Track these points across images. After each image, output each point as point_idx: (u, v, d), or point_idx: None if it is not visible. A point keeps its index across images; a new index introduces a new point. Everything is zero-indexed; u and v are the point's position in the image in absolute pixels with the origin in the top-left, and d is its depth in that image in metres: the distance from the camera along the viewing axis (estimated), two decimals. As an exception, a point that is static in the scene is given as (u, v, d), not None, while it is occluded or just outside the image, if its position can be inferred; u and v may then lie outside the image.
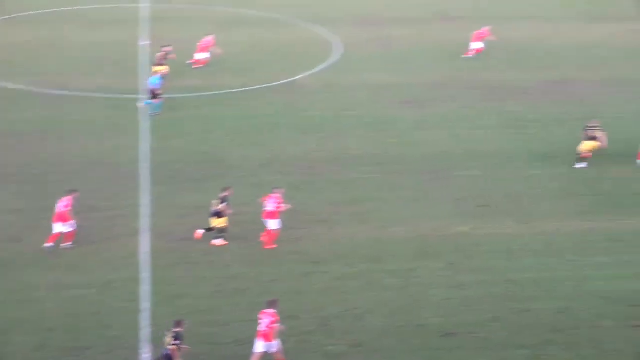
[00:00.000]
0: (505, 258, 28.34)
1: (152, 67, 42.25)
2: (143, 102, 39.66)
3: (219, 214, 28.49)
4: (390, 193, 32.53)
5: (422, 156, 35.76)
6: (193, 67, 45.17)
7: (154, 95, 39.14)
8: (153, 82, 39.47)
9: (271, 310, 22.75)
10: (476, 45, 48.51)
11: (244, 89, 42.83)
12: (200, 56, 45.44)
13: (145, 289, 26.01)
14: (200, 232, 28.61)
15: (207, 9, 56.19)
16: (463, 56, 48.15)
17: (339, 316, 25.16)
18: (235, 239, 28.79)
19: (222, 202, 28.57)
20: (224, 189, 29.06)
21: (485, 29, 48.90)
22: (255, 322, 22.78)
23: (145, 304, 25.25)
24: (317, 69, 46.04)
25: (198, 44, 45.78)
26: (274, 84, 43.57)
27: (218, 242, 28.57)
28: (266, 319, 22.58)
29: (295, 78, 44.52)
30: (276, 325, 22.50)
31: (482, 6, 60.92)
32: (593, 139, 34.77)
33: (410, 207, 31.58)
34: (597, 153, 35.25)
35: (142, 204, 30.93)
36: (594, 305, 25.81)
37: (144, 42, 48.19)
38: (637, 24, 56.73)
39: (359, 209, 31.33)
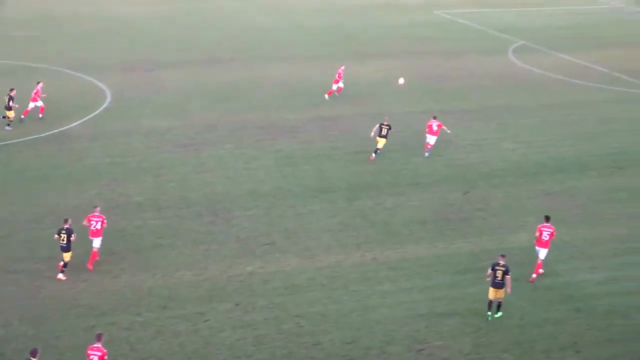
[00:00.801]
0: (293, 294, 28.55)
1: None
2: None
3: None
4: (174, 238, 32.02)
5: (202, 198, 35.52)
6: (-44, 120, 42.86)
7: None
8: None
9: (98, 345, 22.75)
10: (335, 85, 49.42)
11: (12, 141, 40.99)
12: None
13: None
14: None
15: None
16: (326, 96, 49.07)
17: (131, 367, 24.38)
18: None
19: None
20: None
21: (341, 69, 49.75)
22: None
23: None
24: (89, 117, 44.88)
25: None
26: (45, 134, 42.00)
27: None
28: (95, 355, 22.63)
29: (67, 127, 43.15)
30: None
31: (251, 48, 62.11)
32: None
33: (196, 250, 31.23)
34: (369, 186, 36.54)
35: None
36: (381, 333, 26.45)
37: None
38: (396, 61, 59.57)
39: (144, 255, 30.62)
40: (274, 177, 38.12)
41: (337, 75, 49.26)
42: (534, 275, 29.62)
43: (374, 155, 40.19)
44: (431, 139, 40.95)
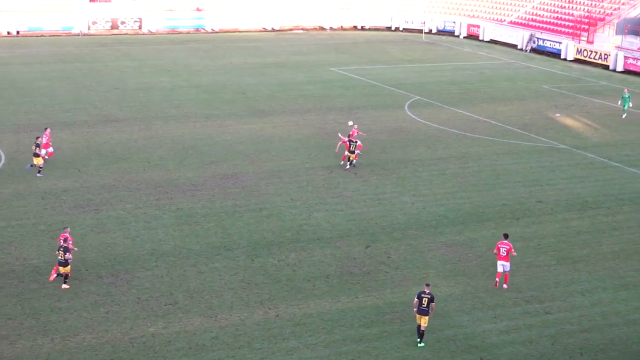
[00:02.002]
0: (197, 354, 27.93)
1: None
2: None
3: None
4: (73, 300, 31.06)
5: (102, 259, 34.68)
6: None
7: None
8: None
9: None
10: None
11: None
12: None
13: None
14: None
15: None
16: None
17: None
18: None
19: None
20: None
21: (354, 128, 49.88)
22: None
23: None
24: (-19, 179, 43.66)
25: None
26: None
27: None
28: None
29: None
30: None
31: (149, 107, 61.67)
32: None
33: (96, 312, 30.34)
34: (271, 243, 36.33)
35: None
36: (288, 390, 26.13)
37: None
38: (293, 117, 59.94)
39: (42, 320, 29.57)
40: (175, 236, 37.55)
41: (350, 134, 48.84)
42: (504, 285, 33.40)
43: (348, 166, 47.40)
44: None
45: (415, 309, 28.90)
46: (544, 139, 56.31)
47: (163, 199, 42.07)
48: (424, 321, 28.70)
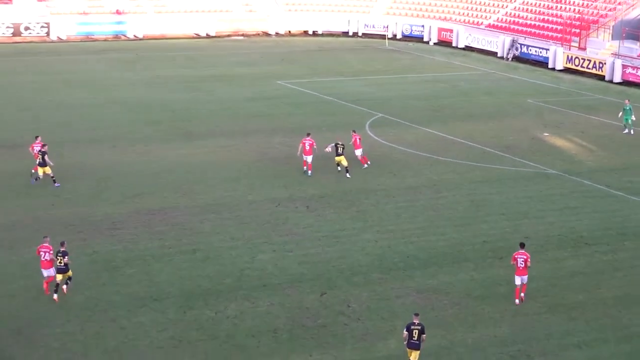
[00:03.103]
0: None
1: None
2: None
3: None
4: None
5: (4, 314, 34.15)
6: None
7: None
8: None
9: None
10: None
11: None
12: None
13: None
14: None
15: None
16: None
17: None
18: None
19: None
20: None
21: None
22: None
23: None
24: None
25: None
26: None
27: None
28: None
29: None
30: None
31: (58, 129, 61.27)
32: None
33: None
34: (207, 291, 36.07)
35: None
36: None
37: None
38: (233, 140, 59.86)
39: None
40: (89, 285, 37.11)
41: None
42: (518, 301, 36.03)
43: (348, 174, 52.19)
44: (307, 158, 52.08)
45: (405, 343, 30.26)
46: (530, 163, 56.74)
47: (76, 240, 41.56)
48: (414, 355, 30.06)
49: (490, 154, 58.70)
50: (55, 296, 35.29)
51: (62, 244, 35.90)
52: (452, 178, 53.17)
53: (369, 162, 54.36)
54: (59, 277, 35.54)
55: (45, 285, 35.84)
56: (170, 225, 44.05)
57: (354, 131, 55.31)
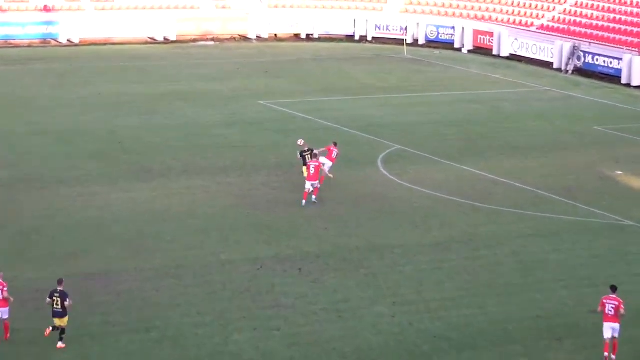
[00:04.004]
0: None
1: None
2: None
3: None
4: None
5: None
6: None
7: None
8: None
9: None
10: None
11: None
12: None
13: None
14: None
15: None
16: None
17: None
18: None
19: None
20: None
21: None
22: None
23: None
24: None
25: None
26: None
27: None
28: None
29: None
30: None
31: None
32: None
33: None
34: None
35: None
36: None
37: None
38: (200, 180, 59.94)
39: None
40: None
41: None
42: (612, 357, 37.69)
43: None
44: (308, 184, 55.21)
45: None
46: (598, 212, 56.85)
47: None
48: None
49: (544, 199, 58.79)
50: (60, 344, 38.27)
51: (59, 282, 38.58)
52: (493, 231, 53.23)
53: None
54: (57, 321, 38.14)
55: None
56: (115, 294, 44.00)
57: (335, 144, 59.25)
